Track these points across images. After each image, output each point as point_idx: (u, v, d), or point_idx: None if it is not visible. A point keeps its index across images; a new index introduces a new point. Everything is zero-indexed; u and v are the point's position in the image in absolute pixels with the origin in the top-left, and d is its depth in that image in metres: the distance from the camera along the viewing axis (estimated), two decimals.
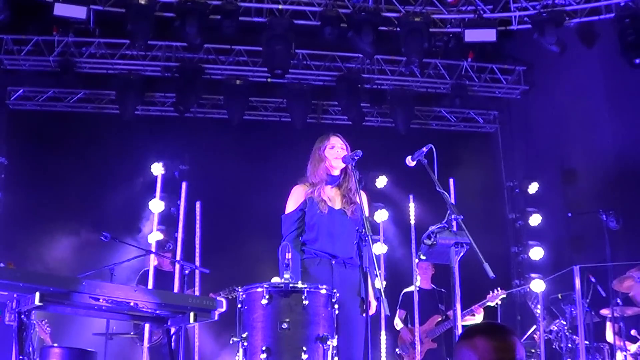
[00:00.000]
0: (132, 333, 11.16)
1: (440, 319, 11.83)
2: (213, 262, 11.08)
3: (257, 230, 13.27)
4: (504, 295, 11.83)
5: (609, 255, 11.04)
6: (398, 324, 12.02)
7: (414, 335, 11.52)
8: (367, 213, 6.83)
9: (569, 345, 11.06)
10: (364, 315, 6.53)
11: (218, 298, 5.88)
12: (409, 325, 11.86)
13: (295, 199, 6.97)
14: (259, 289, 5.81)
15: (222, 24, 13.89)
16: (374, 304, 6.57)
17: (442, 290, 12.05)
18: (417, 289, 11.82)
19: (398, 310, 12.02)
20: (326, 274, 6.58)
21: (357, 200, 6.75)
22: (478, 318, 11.67)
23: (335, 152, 6.93)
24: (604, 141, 13.51)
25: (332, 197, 6.93)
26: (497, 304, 11.76)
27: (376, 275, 6.27)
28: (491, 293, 11.68)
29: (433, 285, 12.12)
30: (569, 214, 13.74)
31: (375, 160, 13.26)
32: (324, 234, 6.73)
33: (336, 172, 6.96)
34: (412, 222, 12.20)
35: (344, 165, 6.84)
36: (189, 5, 13.73)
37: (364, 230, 6.12)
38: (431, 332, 11.70)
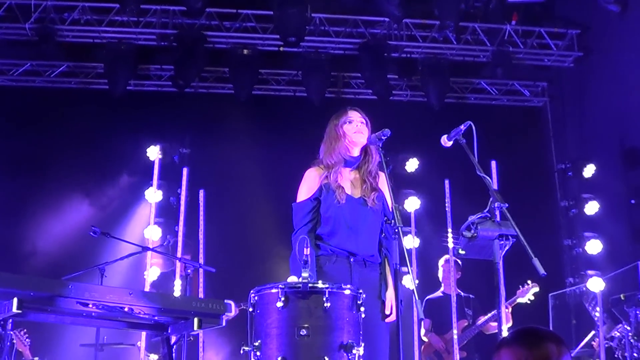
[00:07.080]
0: (138, 343, 11.20)
1: (466, 324, 11.82)
2: (219, 258, 11.11)
3: (269, 222, 13.30)
4: (537, 289, 11.56)
5: None
6: (424, 335, 11.96)
7: (446, 342, 11.52)
8: (389, 199, 6.76)
9: (635, 354, 10.98)
10: (386, 320, 6.55)
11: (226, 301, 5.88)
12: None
13: (308, 185, 6.91)
14: (274, 290, 5.74)
15: None
16: (389, 305, 6.54)
17: (470, 295, 12.07)
18: (442, 294, 11.83)
19: (422, 321, 11.95)
20: (343, 273, 6.55)
21: (379, 186, 6.72)
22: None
23: (354, 126, 6.88)
24: None
25: (351, 183, 6.88)
26: (529, 300, 11.57)
27: (408, 273, 6.21)
28: (521, 288, 11.49)
29: (459, 290, 12.07)
30: (632, 201, 13.69)
31: (404, 140, 13.24)
32: (342, 227, 6.67)
33: (356, 152, 6.91)
34: (448, 210, 12.19)
35: (364, 142, 6.81)
36: None
37: (393, 221, 6.00)
38: (458, 339, 11.63)
